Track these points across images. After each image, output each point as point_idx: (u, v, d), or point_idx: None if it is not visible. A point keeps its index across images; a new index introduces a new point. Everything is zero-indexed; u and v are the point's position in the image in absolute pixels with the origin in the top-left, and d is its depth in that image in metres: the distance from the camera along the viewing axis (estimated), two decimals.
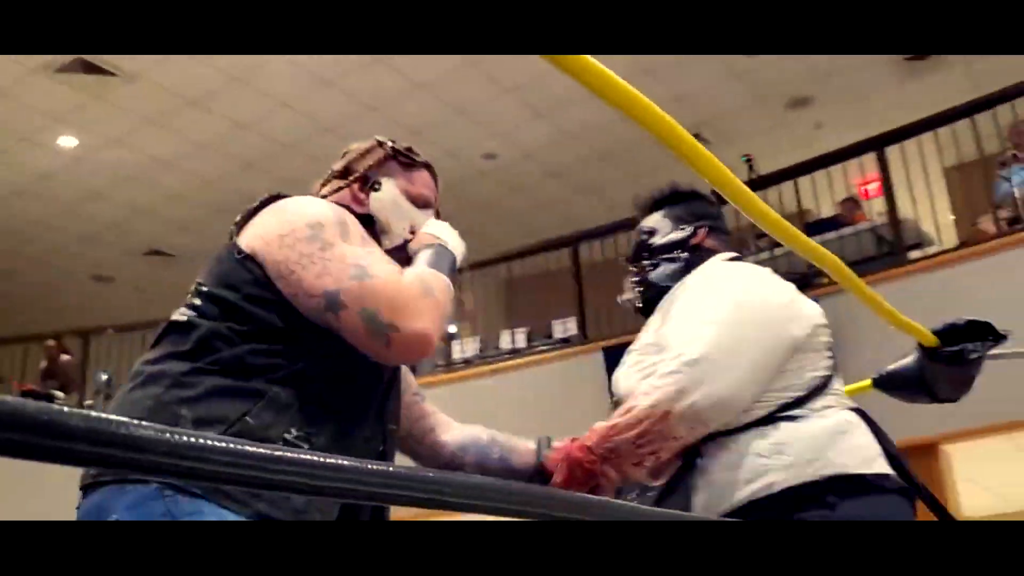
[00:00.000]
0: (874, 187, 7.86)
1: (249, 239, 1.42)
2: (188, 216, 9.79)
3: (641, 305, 1.97)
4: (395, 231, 1.58)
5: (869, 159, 6.68)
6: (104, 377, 8.85)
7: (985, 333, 1.73)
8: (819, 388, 1.67)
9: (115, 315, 10.26)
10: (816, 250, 1.36)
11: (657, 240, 2.00)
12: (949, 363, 1.72)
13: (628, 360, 1.86)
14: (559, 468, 1.59)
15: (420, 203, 1.64)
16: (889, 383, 2.02)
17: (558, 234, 8.26)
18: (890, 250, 6.36)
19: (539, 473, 1.64)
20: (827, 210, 7.39)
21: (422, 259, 1.48)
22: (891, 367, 1.99)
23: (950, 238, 7.21)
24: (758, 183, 7.12)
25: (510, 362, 7.25)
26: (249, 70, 7.43)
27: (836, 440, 1.59)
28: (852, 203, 7.52)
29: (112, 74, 7.40)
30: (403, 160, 1.70)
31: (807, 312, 1.74)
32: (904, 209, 6.51)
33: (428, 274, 1.42)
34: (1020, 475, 7.45)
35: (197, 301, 1.39)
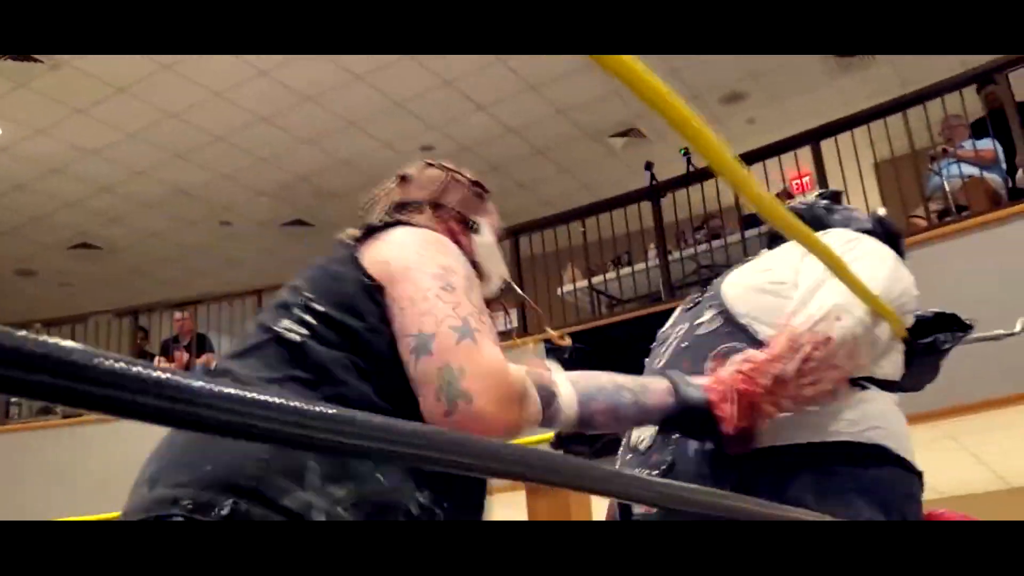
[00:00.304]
0: (807, 181, 7.98)
1: (378, 267, 1.25)
2: (116, 208, 9.54)
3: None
4: (493, 280, 1.46)
5: (802, 154, 6.78)
6: None
7: (951, 324, 1.77)
8: (891, 384, 1.68)
9: (40, 310, 9.97)
10: (809, 236, 1.35)
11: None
12: (923, 354, 1.75)
13: (744, 276, 1.76)
14: (727, 403, 1.42)
15: (499, 238, 1.53)
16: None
17: None
18: None
19: (682, 411, 1.44)
20: None
21: (541, 385, 1.27)
22: None
23: None
24: (695, 176, 7.17)
25: None
26: (179, 58, 7.25)
27: (899, 424, 1.64)
28: (786, 197, 7.63)
29: (37, 60, 7.17)
30: (477, 191, 1.53)
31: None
32: None
33: (537, 393, 1.23)
34: (939, 463, 7.63)
35: (310, 319, 1.22)
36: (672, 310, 1.91)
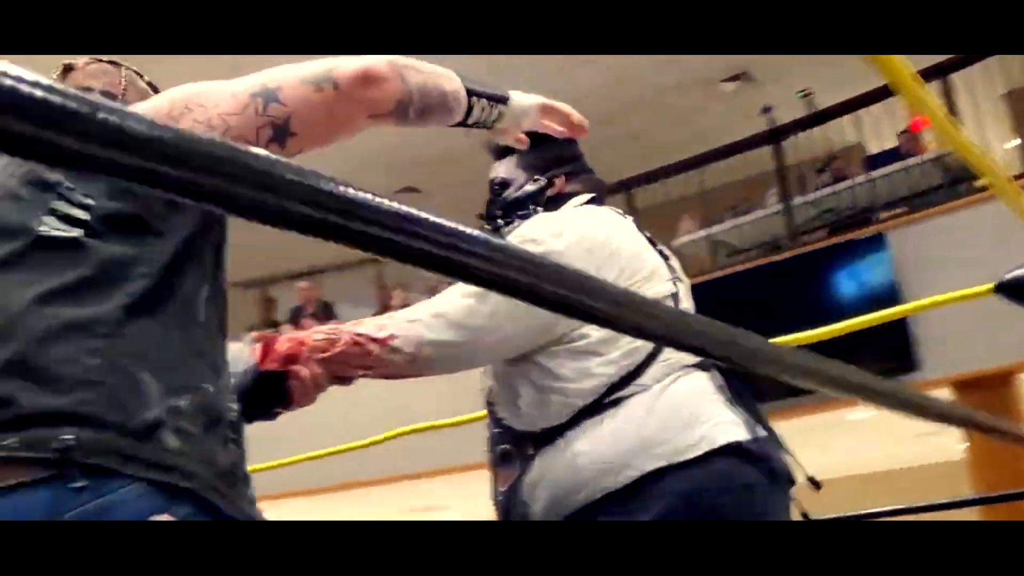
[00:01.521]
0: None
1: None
2: None
3: None
4: None
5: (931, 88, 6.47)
6: None
7: None
8: (651, 357, 1.49)
9: None
10: (972, 152, 1.32)
11: (511, 193, 1.76)
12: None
13: None
14: (260, 347, 1.44)
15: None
16: (1013, 289, 1.95)
17: None
18: (955, 179, 6.16)
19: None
20: (888, 142, 7.18)
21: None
22: (1017, 272, 1.93)
23: (1015, 166, 6.97)
24: (817, 118, 6.96)
25: None
26: None
27: (657, 429, 1.45)
28: (913, 134, 7.30)
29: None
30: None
31: (623, 260, 1.55)
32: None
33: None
34: None
35: (81, 215, 1.04)
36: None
